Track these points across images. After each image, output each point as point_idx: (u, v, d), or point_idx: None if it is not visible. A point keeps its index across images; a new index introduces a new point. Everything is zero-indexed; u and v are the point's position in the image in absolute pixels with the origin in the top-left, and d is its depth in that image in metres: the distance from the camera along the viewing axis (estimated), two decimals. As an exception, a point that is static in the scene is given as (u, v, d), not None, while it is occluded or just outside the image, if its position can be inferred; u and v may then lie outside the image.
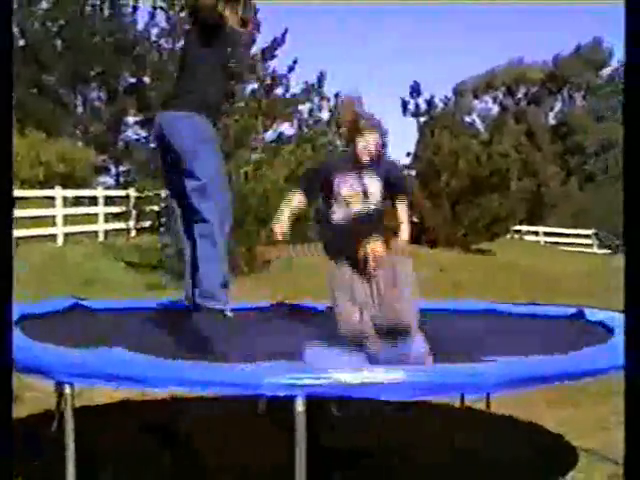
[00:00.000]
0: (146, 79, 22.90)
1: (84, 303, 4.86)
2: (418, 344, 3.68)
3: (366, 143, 4.34)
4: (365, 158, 4.37)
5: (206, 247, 3.85)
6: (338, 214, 4.35)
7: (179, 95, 3.90)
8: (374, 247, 3.79)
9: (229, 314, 3.97)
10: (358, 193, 4.37)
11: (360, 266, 3.81)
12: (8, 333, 2.32)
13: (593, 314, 4.56)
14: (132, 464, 3.96)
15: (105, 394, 4.98)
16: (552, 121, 28.95)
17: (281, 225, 4.29)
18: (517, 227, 22.83)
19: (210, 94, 3.87)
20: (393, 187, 4.49)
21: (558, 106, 29.33)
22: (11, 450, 2.32)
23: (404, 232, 4.49)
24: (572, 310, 4.76)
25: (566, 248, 23.79)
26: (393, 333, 3.68)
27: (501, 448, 4.29)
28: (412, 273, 3.85)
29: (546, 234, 25.76)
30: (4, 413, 2.26)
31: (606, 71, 28.96)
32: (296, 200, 4.40)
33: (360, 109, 4.39)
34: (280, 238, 4.30)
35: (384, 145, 4.33)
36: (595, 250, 24.55)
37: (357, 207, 4.30)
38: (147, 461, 4.02)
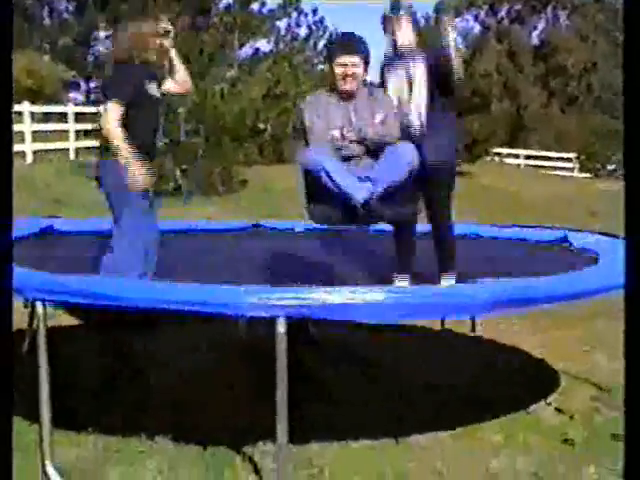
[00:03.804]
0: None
1: (57, 226, 4.67)
2: (406, 150, 3.47)
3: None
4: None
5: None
6: None
7: None
8: (352, 63, 3.54)
9: None
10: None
11: (338, 87, 3.58)
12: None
13: (577, 237, 4.49)
14: (104, 386, 3.87)
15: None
16: (535, 41, 28.39)
17: None
18: (497, 150, 22.65)
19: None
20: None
21: (542, 25, 28.71)
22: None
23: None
24: (556, 233, 4.69)
25: (547, 172, 23.70)
26: (377, 151, 3.50)
27: (482, 372, 4.26)
28: (391, 97, 3.66)
29: (527, 157, 25.59)
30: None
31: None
32: None
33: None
34: None
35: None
36: (576, 174, 24.50)
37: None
38: (119, 382, 3.94)
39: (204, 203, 11.04)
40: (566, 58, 25.94)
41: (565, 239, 4.57)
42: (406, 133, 3.63)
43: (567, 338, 4.96)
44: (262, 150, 15.01)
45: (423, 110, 3.68)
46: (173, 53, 3.92)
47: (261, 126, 13.76)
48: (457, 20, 28.72)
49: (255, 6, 19.24)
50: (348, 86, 3.57)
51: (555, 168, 24.71)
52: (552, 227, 4.95)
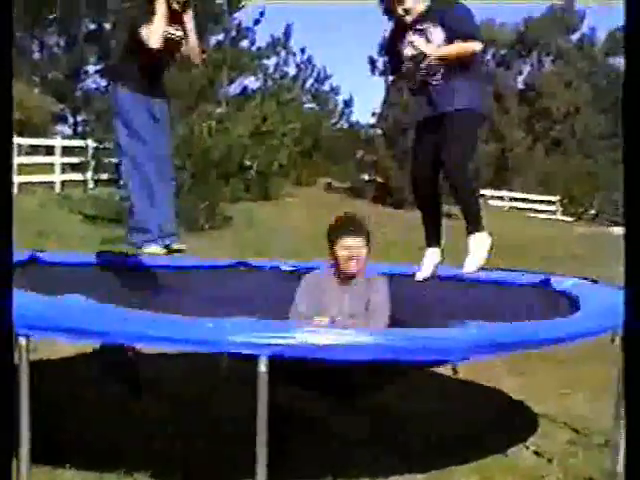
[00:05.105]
0: (107, 26, 22.22)
1: (41, 257, 4.66)
2: None
3: None
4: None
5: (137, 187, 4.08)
6: None
7: None
8: (357, 245, 3.66)
9: (178, 246, 4.08)
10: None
11: (341, 269, 3.68)
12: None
13: (559, 282, 4.53)
14: (89, 419, 3.84)
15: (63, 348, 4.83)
16: (520, 85, 28.82)
17: None
18: (482, 191, 22.83)
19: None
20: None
21: (527, 70, 29.17)
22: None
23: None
24: (538, 277, 4.72)
25: (531, 214, 23.86)
26: None
27: (461, 413, 4.26)
28: (386, 299, 3.75)
29: (511, 199, 25.82)
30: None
31: (576, 35, 28.83)
32: None
33: None
34: None
35: None
36: (559, 217, 24.67)
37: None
38: (102, 415, 3.91)
39: (188, 239, 11.03)
40: (550, 102, 26.33)
41: (546, 283, 4.60)
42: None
43: (546, 380, 4.98)
44: (248, 187, 15.09)
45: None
46: (190, 24, 4.09)
47: (248, 163, 13.85)
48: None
49: (244, 44, 19.48)
50: (353, 269, 3.68)
51: (539, 211, 24.92)
52: (532, 271, 5.00)
